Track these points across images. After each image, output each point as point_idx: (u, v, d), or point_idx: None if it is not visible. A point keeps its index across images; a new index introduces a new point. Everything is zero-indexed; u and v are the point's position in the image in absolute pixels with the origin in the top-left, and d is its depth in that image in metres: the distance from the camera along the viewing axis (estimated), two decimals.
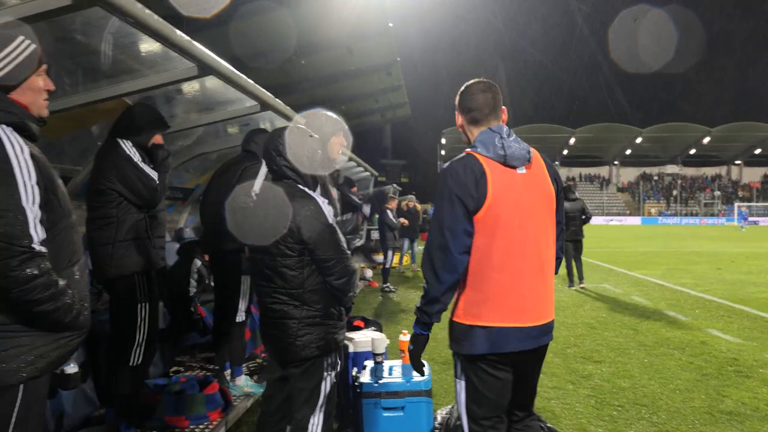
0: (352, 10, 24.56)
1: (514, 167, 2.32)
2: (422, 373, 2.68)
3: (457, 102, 2.50)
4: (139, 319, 3.43)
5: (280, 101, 4.04)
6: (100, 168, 3.36)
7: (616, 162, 77.10)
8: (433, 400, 4.73)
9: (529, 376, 2.54)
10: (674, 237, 32.37)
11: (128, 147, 3.35)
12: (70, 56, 2.87)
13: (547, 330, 2.40)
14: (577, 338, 7.00)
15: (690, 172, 77.47)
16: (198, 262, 5.24)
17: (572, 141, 72.12)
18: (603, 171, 78.12)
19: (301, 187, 2.76)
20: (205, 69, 3.01)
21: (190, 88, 3.79)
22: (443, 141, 71.93)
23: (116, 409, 3.53)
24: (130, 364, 3.44)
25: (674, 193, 72.67)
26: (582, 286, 11.16)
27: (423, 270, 2.39)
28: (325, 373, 2.80)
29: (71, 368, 3.28)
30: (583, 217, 11.16)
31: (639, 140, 70.97)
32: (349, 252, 2.79)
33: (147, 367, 3.58)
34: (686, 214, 67.28)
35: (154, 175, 3.39)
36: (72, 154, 4.26)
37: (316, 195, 2.76)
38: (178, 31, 2.52)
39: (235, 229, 3.36)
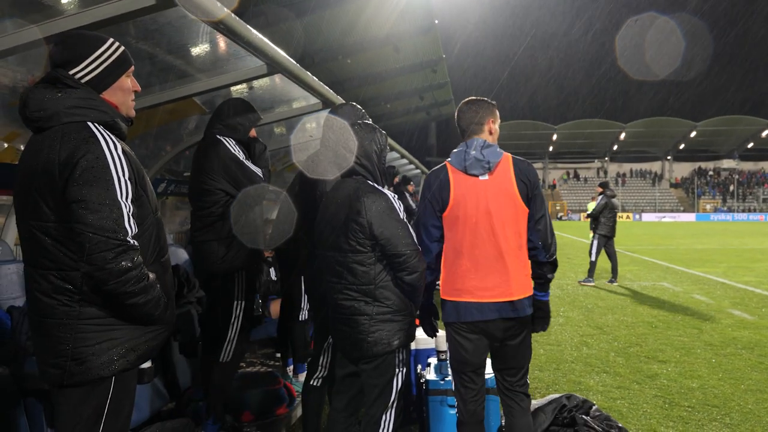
0: (396, 6, 24.55)
1: (475, 175, 2.77)
2: (431, 336, 3.19)
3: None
4: (233, 316, 3.46)
5: (342, 99, 4.05)
6: (205, 168, 3.33)
7: (669, 157, 74.64)
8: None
9: (507, 345, 2.87)
10: (732, 234, 31.11)
11: (232, 146, 3.35)
12: (141, 57, 2.94)
13: (509, 306, 2.78)
14: (638, 337, 6.80)
15: (748, 166, 74.30)
16: None
17: (622, 136, 70.18)
18: (655, 166, 75.70)
19: (371, 183, 2.77)
20: (273, 67, 3.04)
21: (253, 86, 3.83)
22: None
23: (208, 403, 3.57)
24: (221, 360, 3.47)
25: (731, 188, 69.90)
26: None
27: None
28: (397, 369, 2.80)
29: (146, 363, 3.37)
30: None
31: (693, 134, 68.48)
32: (419, 248, 2.77)
33: (237, 364, 3.61)
34: (744, 210, 64.61)
35: (259, 171, 3.40)
36: (139, 156, 4.38)
37: (387, 190, 2.75)
38: (254, 30, 2.54)
39: (302, 226, 3.38)
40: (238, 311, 3.43)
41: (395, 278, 2.72)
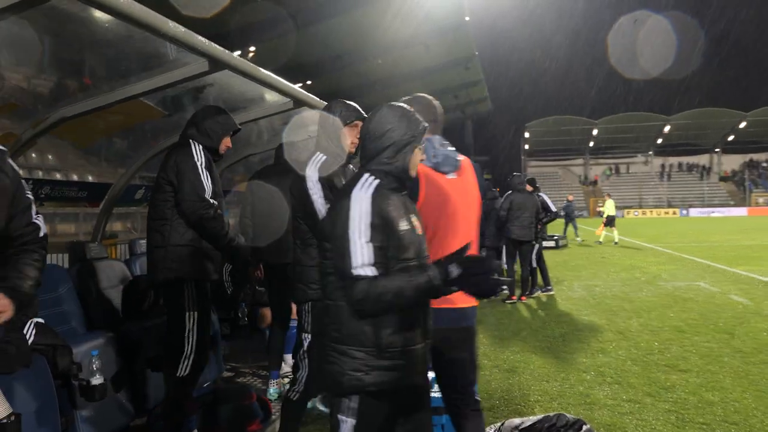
0: (424, 6, 24.27)
1: (444, 173, 2.67)
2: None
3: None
4: (186, 330, 3.31)
5: (314, 96, 3.84)
6: (166, 164, 3.31)
7: (717, 149, 71.82)
8: (490, 412, 4.38)
9: (452, 357, 2.67)
10: None
11: (198, 150, 3.30)
12: (77, 61, 2.79)
13: (457, 314, 2.63)
14: (661, 344, 6.34)
15: None
16: (229, 266, 5.13)
17: (667, 129, 67.87)
18: (703, 159, 72.83)
19: (367, 176, 2.26)
20: (216, 64, 2.84)
21: (220, 87, 3.64)
22: (527, 135, 69.93)
23: (165, 420, 3.43)
24: (178, 374, 3.32)
25: None
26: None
27: None
28: (344, 419, 2.18)
29: (96, 379, 3.22)
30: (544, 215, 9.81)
31: (743, 125, 65.69)
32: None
33: (195, 379, 3.44)
34: None
35: (207, 186, 3.24)
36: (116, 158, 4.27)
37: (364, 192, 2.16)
38: (172, 23, 2.34)
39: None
40: (190, 324, 3.27)
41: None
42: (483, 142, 71.76)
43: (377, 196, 2.09)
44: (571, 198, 24.10)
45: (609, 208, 21.73)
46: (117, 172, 4.39)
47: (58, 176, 8.99)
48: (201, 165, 3.24)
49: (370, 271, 2.01)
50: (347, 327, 2.10)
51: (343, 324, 2.10)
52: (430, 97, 2.79)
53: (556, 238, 19.52)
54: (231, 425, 3.73)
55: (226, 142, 3.47)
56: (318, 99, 3.95)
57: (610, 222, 21.27)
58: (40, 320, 2.98)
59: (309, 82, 29.03)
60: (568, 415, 3.46)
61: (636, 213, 59.22)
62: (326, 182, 2.91)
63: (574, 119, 68.11)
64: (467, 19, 32.12)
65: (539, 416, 3.50)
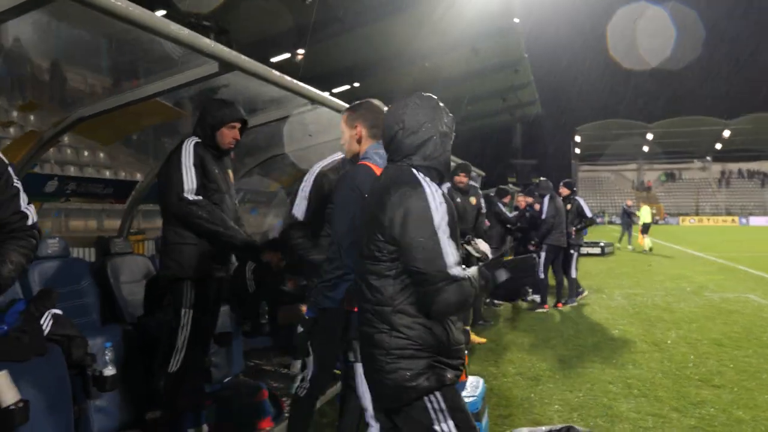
0: (475, 6, 24.11)
1: None
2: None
3: (361, 114, 2.76)
4: (180, 324, 3.36)
5: (331, 97, 3.86)
6: (162, 164, 3.37)
7: None
8: (506, 420, 4.30)
9: None
10: None
11: (188, 146, 3.26)
12: (96, 63, 2.89)
13: None
14: (698, 357, 6.08)
15: None
16: (252, 264, 5.17)
17: (726, 134, 65.17)
18: (765, 166, 69.70)
19: (414, 171, 2.15)
20: (225, 65, 2.89)
21: (235, 89, 3.70)
22: (578, 139, 68.37)
23: (161, 416, 3.52)
24: (168, 370, 3.38)
25: None
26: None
27: None
28: (435, 419, 2.09)
29: (108, 370, 3.33)
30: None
31: None
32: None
33: (186, 375, 3.46)
34: None
35: (188, 184, 3.18)
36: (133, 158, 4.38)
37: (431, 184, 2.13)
38: (175, 25, 2.39)
39: None
40: (185, 320, 3.31)
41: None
42: (532, 145, 70.53)
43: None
44: (630, 203, 23.68)
45: (645, 215, 21.47)
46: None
47: (96, 173, 9.33)
48: (185, 162, 3.20)
49: (460, 272, 1.98)
50: (412, 329, 2.05)
51: (406, 327, 2.05)
52: (379, 102, 2.74)
53: (602, 244, 19.03)
54: (242, 421, 3.78)
55: (232, 135, 3.36)
56: (337, 101, 3.97)
57: (645, 229, 20.92)
58: (58, 311, 3.12)
59: (357, 85, 29.25)
60: (578, 427, 3.34)
61: (692, 220, 57.13)
62: (322, 179, 2.92)
63: (627, 123, 66.29)
64: (516, 20, 31.80)
65: (548, 426, 3.40)
